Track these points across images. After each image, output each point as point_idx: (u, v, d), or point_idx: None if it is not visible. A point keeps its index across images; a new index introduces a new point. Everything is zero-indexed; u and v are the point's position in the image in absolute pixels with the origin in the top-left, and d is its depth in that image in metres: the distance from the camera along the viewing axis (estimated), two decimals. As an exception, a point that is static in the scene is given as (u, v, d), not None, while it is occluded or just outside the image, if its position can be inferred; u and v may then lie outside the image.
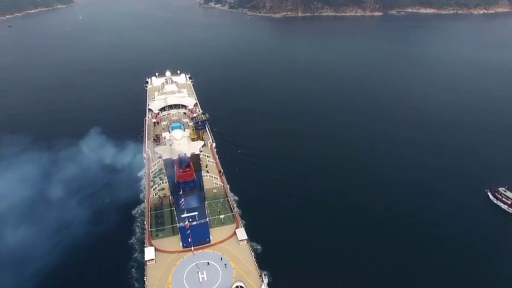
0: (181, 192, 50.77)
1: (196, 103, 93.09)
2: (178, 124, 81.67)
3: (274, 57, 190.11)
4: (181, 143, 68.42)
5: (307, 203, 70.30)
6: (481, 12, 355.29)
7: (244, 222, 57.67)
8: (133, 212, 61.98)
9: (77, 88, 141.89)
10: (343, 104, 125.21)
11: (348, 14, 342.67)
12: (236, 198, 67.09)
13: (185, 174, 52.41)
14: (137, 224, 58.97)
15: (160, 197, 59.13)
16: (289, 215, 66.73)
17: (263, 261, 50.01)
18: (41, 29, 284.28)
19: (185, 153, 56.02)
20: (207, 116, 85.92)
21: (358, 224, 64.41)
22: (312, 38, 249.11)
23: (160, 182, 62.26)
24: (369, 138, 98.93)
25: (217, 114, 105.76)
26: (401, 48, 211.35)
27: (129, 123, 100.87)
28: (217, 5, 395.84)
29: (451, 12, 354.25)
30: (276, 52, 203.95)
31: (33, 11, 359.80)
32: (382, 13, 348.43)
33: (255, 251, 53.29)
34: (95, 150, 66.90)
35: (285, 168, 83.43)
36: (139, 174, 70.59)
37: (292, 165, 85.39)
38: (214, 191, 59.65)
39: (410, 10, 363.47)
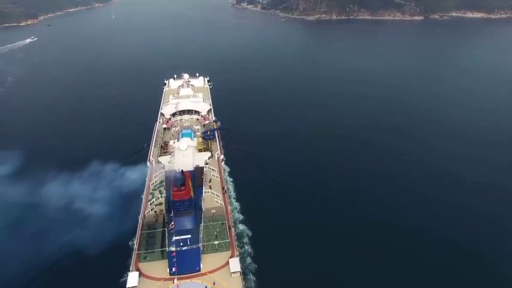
0: (171, 214, 46.39)
1: (210, 109, 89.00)
2: (188, 131, 78.08)
3: (305, 64, 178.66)
4: (186, 154, 64.53)
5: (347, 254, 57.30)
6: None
7: (240, 251, 51.90)
8: (130, 243, 53.20)
9: (94, 90, 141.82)
10: (378, 117, 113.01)
11: (386, 18, 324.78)
12: (250, 233, 59.12)
13: (180, 193, 48.11)
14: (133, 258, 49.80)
15: (156, 213, 55.16)
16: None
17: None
18: (76, 27, 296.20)
19: (182, 170, 51.87)
20: (219, 124, 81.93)
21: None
22: (346, 44, 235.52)
23: (159, 196, 58.35)
24: (411, 152, 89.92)
25: (237, 123, 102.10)
26: (446, 57, 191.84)
27: (141, 129, 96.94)
28: (249, 6, 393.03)
29: (503, 16, 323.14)
30: (306, 58, 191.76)
31: (73, 9, 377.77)
32: (423, 17, 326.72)
33: None
34: (93, 166, 63.05)
35: (320, 198, 70.69)
36: (142, 196, 62.38)
37: (330, 193, 72.63)
38: (213, 211, 54.56)
39: (455, 14, 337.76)
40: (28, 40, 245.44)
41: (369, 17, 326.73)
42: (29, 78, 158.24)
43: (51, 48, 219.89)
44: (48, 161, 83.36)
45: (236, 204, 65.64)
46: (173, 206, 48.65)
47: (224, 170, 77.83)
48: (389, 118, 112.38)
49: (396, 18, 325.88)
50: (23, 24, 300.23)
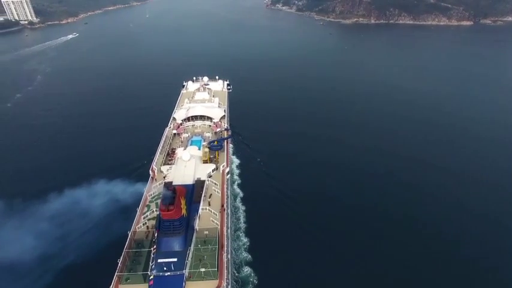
0: (155, 235, 42.43)
1: (224, 115, 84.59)
2: (199, 138, 74.40)
3: (336, 72, 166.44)
4: (188, 165, 60.60)
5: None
6: None
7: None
8: (115, 261, 45.61)
9: (116, 91, 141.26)
10: (418, 141, 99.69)
11: (429, 23, 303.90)
12: (255, 279, 51.62)
13: (168, 213, 44.03)
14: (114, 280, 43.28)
15: (148, 228, 51.24)
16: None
17: None
18: (110, 25, 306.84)
19: (174, 186, 47.76)
20: (230, 133, 77.41)
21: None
22: (384, 51, 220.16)
23: (155, 209, 54.67)
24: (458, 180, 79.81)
25: (256, 134, 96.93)
26: (502, 72, 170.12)
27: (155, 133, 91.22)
28: (284, 7, 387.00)
29: None
30: (339, 66, 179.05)
31: (111, 8, 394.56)
32: (472, 22, 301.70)
33: None
34: (96, 173, 60.19)
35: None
36: (138, 208, 56.42)
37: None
38: (206, 232, 49.61)
39: (511, 19, 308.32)
40: (70, 36, 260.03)
41: (411, 22, 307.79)
42: (56, 77, 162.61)
43: (82, 47, 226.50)
44: (51, 167, 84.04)
45: (245, 240, 58.82)
46: (162, 225, 44.86)
47: (237, 194, 72.50)
48: (430, 140, 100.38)
49: (441, 23, 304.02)
50: (63, 22, 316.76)
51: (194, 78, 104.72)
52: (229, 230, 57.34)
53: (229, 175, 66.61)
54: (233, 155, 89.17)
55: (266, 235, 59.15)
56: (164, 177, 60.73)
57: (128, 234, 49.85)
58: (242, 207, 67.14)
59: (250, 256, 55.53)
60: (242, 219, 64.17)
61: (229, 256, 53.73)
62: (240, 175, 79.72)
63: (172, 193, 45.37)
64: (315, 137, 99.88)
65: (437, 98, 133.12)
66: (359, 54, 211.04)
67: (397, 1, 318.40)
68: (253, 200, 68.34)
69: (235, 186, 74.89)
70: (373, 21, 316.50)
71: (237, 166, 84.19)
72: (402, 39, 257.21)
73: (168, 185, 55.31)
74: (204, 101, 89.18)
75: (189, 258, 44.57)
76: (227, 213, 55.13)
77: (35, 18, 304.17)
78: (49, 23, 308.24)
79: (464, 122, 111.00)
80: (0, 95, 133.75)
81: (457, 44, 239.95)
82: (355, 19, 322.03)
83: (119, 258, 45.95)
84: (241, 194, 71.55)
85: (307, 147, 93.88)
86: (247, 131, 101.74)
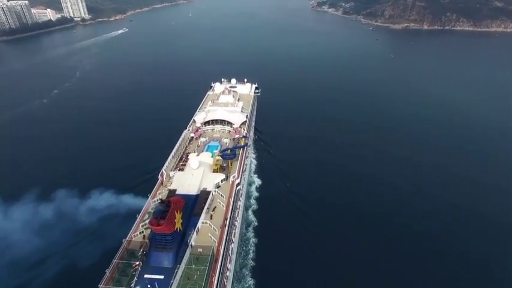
0: (141, 251, 39.50)
1: (245, 121, 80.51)
2: (216, 144, 71.42)
3: (376, 85, 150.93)
4: (195, 174, 57.32)
5: None
6: None
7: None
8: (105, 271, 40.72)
9: (147, 92, 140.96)
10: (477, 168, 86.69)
11: (493, 30, 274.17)
12: None
13: (157, 228, 40.95)
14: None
15: (144, 238, 48.45)
16: None
17: None
18: (153, 23, 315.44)
19: (168, 200, 44.49)
20: (247, 141, 73.13)
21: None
22: (436, 62, 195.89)
23: (157, 216, 52.00)
24: None
25: (284, 144, 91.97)
26: None
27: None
28: (330, 9, 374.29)
29: None
30: (380, 77, 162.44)
31: (158, 5, 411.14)
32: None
33: None
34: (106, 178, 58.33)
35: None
36: (138, 215, 53.32)
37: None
38: (200, 250, 45.64)
39: None
40: (120, 31, 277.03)
41: (470, 28, 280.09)
42: (93, 73, 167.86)
43: (123, 44, 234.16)
44: (63, 164, 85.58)
45: (250, 282, 51.13)
46: (153, 238, 42.03)
47: (251, 223, 65.63)
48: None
49: (508, 30, 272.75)
50: (112, 19, 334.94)
51: (222, 79, 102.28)
52: (232, 246, 53.17)
53: (239, 187, 62.16)
54: (255, 173, 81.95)
55: (278, 281, 49.79)
56: (166, 185, 58.10)
57: (122, 242, 47.77)
58: (254, 240, 58.67)
59: None
60: (251, 255, 56.08)
61: (227, 274, 49.69)
62: (258, 199, 70.74)
63: (165, 206, 42.09)
64: (357, 154, 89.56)
65: (497, 117, 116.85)
66: (405, 64, 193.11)
67: (456, 5, 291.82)
68: (269, 233, 58.53)
69: (250, 212, 66.72)
70: (425, 27, 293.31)
71: (256, 188, 75.45)
72: (459, 47, 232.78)
73: (171, 194, 53.24)
74: (227, 105, 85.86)
75: (177, 277, 40.94)
76: (228, 230, 50.85)
77: (87, 15, 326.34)
78: (99, 19, 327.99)
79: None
80: (40, 90, 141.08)
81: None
82: (406, 24, 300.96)
83: (108, 268, 43.86)
84: (255, 223, 63.13)
85: (347, 166, 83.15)
86: (275, 140, 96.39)
